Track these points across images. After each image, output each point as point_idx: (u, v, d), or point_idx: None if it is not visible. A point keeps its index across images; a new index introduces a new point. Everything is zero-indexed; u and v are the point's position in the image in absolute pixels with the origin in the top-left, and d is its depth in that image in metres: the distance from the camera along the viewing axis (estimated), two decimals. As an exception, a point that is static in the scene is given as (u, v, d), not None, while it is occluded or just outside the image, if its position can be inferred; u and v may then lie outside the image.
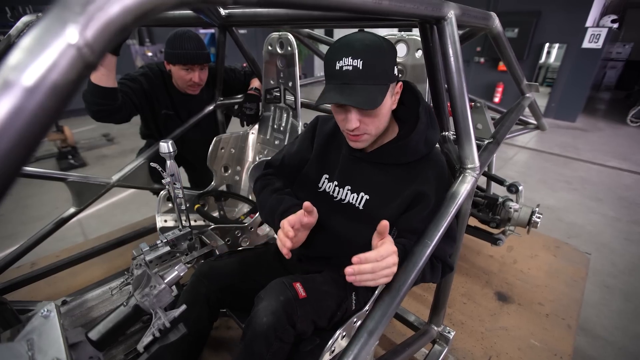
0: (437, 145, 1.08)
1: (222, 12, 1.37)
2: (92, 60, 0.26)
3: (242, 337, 0.89)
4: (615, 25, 6.79)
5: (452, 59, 0.83)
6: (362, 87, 0.76)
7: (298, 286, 0.91)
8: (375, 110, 0.80)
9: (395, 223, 0.92)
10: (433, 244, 0.78)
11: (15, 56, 0.23)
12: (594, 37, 6.17)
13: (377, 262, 0.69)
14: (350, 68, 0.75)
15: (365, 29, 1.32)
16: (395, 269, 0.72)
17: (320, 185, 1.03)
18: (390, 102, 0.84)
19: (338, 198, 0.99)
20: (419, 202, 0.89)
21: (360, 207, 0.95)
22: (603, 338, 2.01)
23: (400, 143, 0.90)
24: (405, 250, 0.81)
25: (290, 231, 0.82)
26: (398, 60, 1.22)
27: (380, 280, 0.72)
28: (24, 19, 1.26)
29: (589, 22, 6.28)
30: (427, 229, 0.81)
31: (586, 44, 6.27)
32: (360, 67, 0.74)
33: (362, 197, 0.95)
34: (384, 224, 0.72)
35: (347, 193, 0.97)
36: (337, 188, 0.99)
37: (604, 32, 6.07)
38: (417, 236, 0.83)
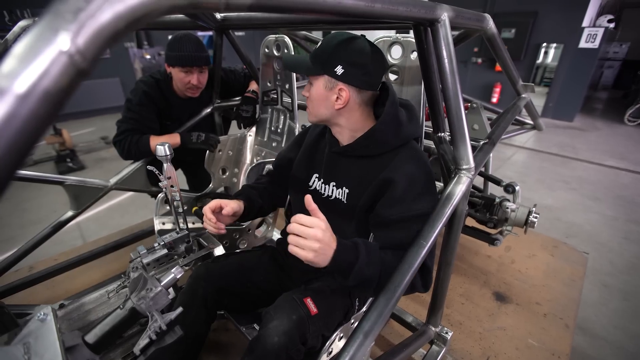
0: (429, 144, 1.15)
1: (218, 15, 1.38)
2: (84, 67, 0.26)
3: (249, 352, 0.87)
4: (612, 25, 6.83)
5: (446, 60, 0.83)
6: (305, 60, 0.93)
7: (309, 302, 0.92)
8: (311, 88, 0.93)
9: (368, 216, 0.94)
10: (429, 245, 0.79)
11: (7, 63, 0.24)
12: (590, 37, 6.20)
13: (304, 226, 0.72)
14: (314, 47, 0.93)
15: (362, 32, 1.33)
16: (310, 244, 0.72)
17: (310, 184, 1.08)
18: (323, 92, 0.90)
19: (326, 194, 1.03)
20: (385, 190, 0.90)
21: (345, 200, 0.99)
22: (602, 337, 2.01)
23: (366, 135, 0.94)
24: (357, 247, 0.79)
25: (213, 218, 0.99)
26: (393, 61, 1.22)
27: (303, 245, 0.72)
28: (21, 23, 1.27)
29: (586, 22, 6.32)
30: (422, 229, 0.81)
31: (583, 44, 6.31)
32: (314, 49, 0.92)
33: (345, 190, 0.99)
34: (307, 198, 0.77)
35: (333, 189, 1.02)
36: (324, 185, 1.04)
37: (600, 31, 6.10)
38: (389, 229, 0.85)
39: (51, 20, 0.25)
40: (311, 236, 0.72)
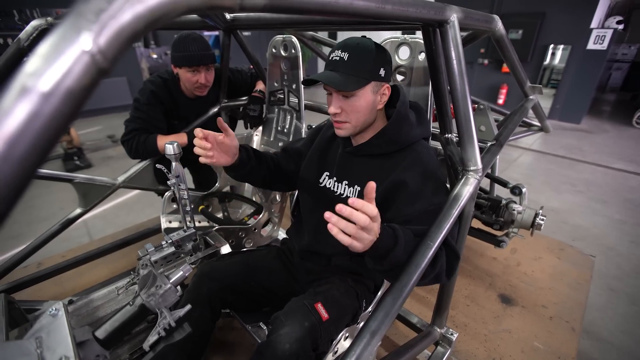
0: (436, 145, 1.16)
1: (227, 16, 1.39)
2: (105, 66, 0.27)
3: (257, 356, 0.87)
4: (621, 27, 6.75)
5: (454, 61, 0.83)
6: (342, 74, 0.87)
7: (320, 307, 0.92)
8: (354, 100, 0.89)
9: (384, 216, 0.92)
10: (435, 246, 0.79)
11: (32, 63, 0.24)
12: (599, 39, 6.13)
13: (357, 212, 0.63)
14: (337, 58, 0.88)
15: (369, 32, 1.33)
16: (368, 236, 0.66)
17: (321, 181, 1.09)
18: (372, 98, 0.91)
19: (338, 193, 1.04)
20: (398, 191, 0.92)
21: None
22: (608, 341, 1.99)
23: (379, 134, 0.97)
24: (395, 233, 0.75)
25: (200, 133, 0.90)
26: (401, 62, 1.22)
27: (356, 235, 0.64)
28: (34, 23, 1.28)
29: (594, 24, 6.25)
30: (429, 230, 0.81)
31: (591, 46, 6.23)
32: (345, 59, 0.87)
33: (357, 189, 1.00)
34: (372, 184, 0.66)
35: (345, 187, 1.03)
36: (336, 183, 1.05)
37: (609, 33, 6.03)
38: (412, 224, 0.85)
39: (74, 20, 0.26)
40: (371, 230, 0.65)
